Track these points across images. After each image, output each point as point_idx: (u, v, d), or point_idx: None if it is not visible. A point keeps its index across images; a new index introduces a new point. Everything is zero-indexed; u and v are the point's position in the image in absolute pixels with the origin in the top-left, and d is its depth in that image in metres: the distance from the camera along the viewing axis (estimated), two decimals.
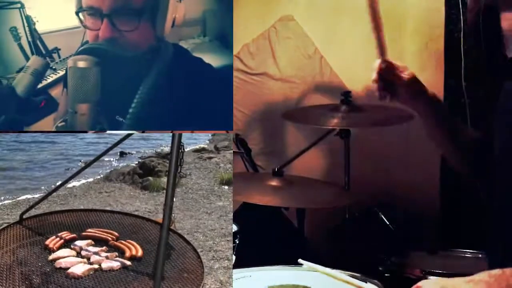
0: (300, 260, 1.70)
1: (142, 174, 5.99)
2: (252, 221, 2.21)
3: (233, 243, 1.99)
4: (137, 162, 6.72)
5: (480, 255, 2.04)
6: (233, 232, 2.03)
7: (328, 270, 1.64)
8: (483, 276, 1.12)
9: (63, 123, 1.46)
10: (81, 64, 1.40)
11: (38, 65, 1.54)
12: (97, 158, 2.00)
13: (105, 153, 2.02)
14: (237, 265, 1.87)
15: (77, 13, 1.43)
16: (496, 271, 1.12)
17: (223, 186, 5.67)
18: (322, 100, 2.79)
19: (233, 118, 2.77)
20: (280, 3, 2.94)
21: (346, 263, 1.71)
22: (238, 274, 1.67)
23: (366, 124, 2.41)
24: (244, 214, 2.27)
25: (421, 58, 2.65)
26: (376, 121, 2.30)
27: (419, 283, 1.19)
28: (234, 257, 1.97)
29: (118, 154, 7.79)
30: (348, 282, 1.57)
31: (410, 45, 2.68)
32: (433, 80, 2.62)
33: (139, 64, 1.44)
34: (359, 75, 2.73)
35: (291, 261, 1.73)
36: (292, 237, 2.45)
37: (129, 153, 8.04)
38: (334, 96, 2.60)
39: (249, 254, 1.95)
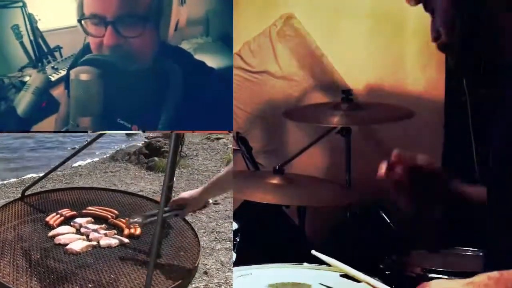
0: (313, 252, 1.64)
1: (148, 154, 5.87)
2: (253, 219, 2.22)
3: (234, 241, 2.00)
4: (143, 142, 6.50)
5: (481, 254, 2.04)
6: (234, 230, 2.04)
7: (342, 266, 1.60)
8: (482, 278, 1.11)
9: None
10: (83, 76, 1.38)
11: (39, 83, 1.53)
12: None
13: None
14: (237, 263, 1.87)
15: (79, 21, 1.41)
16: (495, 273, 1.11)
17: None
18: (323, 98, 2.79)
19: (234, 116, 2.78)
20: (281, 0, 2.93)
21: (346, 261, 1.71)
22: (239, 272, 1.66)
23: (367, 122, 2.41)
24: (245, 212, 2.27)
25: (422, 58, 2.65)
26: (376, 119, 2.30)
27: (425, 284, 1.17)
28: (234, 255, 1.98)
29: (125, 134, 7.67)
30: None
31: (410, 45, 2.68)
32: (434, 79, 2.62)
33: (142, 75, 1.42)
34: (360, 72, 2.74)
35: (292, 259, 1.73)
36: (293, 235, 2.45)
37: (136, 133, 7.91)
38: (335, 94, 2.61)
39: (249, 252, 1.95)
